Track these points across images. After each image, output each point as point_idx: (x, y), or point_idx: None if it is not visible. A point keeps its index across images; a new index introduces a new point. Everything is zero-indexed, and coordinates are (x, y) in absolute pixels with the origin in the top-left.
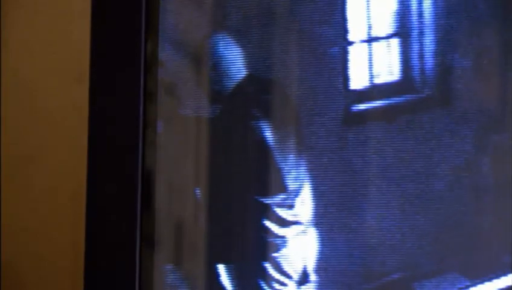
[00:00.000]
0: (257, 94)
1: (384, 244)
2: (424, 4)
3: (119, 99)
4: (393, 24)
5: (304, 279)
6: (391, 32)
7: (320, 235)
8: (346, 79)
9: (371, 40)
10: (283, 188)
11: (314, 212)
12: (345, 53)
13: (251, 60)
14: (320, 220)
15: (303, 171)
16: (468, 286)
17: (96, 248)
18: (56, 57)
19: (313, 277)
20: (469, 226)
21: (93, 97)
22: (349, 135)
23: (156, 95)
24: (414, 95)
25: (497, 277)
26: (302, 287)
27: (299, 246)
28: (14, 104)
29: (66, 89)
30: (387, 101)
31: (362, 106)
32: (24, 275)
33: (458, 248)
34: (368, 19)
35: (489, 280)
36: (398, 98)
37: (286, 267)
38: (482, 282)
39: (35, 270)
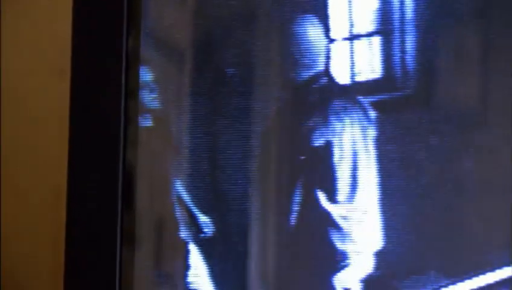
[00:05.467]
0: (238, 92)
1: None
2: (406, 2)
3: (100, 95)
4: (374, 22)
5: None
6: (373, 30)
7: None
8: (328, 76)
9: (352, 38)
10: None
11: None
12: (327, 51)
13: (234, 57)
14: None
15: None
16: (448, 284)
17: (77, 245)
18: (38, 52)
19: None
20: (449, 224)
21: (75, 93)
22: (329, 133)
23: (138, 92)
24: (395, 93)
25: (477, 275)
26: None
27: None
28: None
29: (48, 85)
30: (368, 99)
31: (345, 104)
32: (3, 272)
33: (438, 246)
34: (350, 17)
35: (470, 278)
36: (379, 96)
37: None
38: (462, 280)
39: (15, 267)
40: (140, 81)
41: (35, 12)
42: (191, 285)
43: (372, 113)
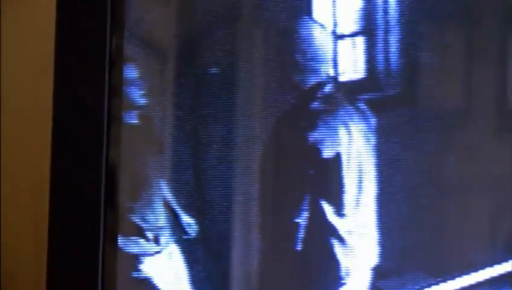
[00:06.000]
0: (220, 92)
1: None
2: (390, 2)
3: (84, 93)
4: (358, 22)
5: None
6: (356, 30)
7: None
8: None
9: (336, 37)
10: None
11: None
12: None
13: (217, 56)
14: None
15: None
16: (431, 284)
17: (59, 243)
18: (21, 49)
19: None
20: (432, 224)
21: (58, 90)
22: (313, 134)
23: (121, 89)
24: (379, 93)
25: (461, 275)
26: None
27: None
28: None
29: (31, 82)
30: (353, 99)
31: (327, 104)
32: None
33: (421, 246)
34: (334, 17)
35: (453, 278)
36: (363, 96)
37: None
38: (445, 280)
39: None
40: (124, 79)
41: (18, 11)
42: (171, 284)
43: (367, 112)
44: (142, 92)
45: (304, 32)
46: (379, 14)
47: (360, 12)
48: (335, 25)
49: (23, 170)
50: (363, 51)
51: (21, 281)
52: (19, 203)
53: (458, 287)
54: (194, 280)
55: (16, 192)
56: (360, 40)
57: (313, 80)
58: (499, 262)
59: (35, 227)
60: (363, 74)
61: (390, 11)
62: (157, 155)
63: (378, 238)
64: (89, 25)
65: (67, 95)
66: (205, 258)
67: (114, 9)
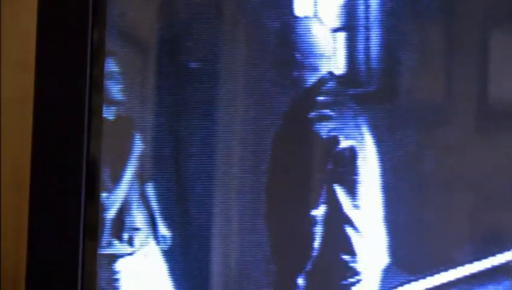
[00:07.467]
0: (203, 86)
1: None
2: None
3: (65, 88)
4: (339, 18)
5: None
6: (337, 26)
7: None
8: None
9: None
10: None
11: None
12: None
13: (199, 52)
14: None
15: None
16: (411, 281)
17: (39, 239)
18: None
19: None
20: (411, 221)
21: (39, 86)
22: (294, 131)
23: (102, 84)
24: (360, 89)
25: (439, 272)
26: None
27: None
28: None
29: (11, 77)
30: (334, 95)
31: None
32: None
33: (400, 243)
34: (315, 12)
35: (432, 275)
36: (344, 91)
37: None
38: (424, 277)
39: None
40: (106, 73)
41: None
42: (150, 281)
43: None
44: (124, 86)
45: (289, 27)
46: (360, 10)
47: (342, 8)
48: (318, 19)
49: (4, 165)
50: (345, 46)
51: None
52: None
53: (439, 283)
54: (170, 280)
55: None
56: (341, 36)
57: (297, 74)
58: (484, 257)
59: (16, 223)
60: (345, 69)
61: (372, 7)
62: (138, 149)
63: (356, 237)
64: (70, 19)
65: (48, 90)
66: (184, 262)
67: (96, 2)
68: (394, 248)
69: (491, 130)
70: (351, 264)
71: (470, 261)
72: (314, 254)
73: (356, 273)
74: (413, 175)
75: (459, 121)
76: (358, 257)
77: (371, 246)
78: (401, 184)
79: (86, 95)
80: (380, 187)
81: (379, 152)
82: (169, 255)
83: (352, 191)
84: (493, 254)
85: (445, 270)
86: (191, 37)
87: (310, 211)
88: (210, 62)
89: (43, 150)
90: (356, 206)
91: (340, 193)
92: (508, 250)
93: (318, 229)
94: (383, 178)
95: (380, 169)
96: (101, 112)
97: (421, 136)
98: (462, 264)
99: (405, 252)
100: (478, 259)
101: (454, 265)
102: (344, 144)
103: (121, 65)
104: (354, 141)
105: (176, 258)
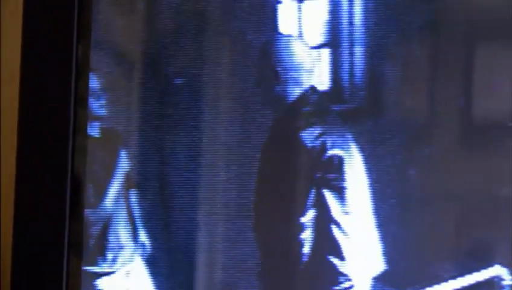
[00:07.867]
0: (188, 101)
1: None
2: (355, 15)
3: (49, 102)
4: (324, 34)
5: None
6: (322, 42)
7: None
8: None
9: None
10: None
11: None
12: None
13: (183, 67)
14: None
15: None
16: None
17: (23, 255)
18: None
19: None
20: (395, 236)
21: (23, 99)
22: (279, 145)
23: (87, 99)
24: (344, 105)
25: (423, 287)
26: None
27: None
28: None
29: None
30: (318, 111)
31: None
32: None
33: (385, 257)
34: (299, 29)
35: None
36: (328, 108)
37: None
38: None
39: None
40: (90, 89)
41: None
42: None
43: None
44: (108, 101)
45: (273, 44)
46: (344, 26)
47: (325, 25)
48: (301, 36)
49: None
50: (329, 62)
51: None
52: None
53: None
54: None
55: None
56: (326, 52)
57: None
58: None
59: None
60: (329, 85)
61: (356, 23)
62: (123, 164)
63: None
64: (55, 35)
65: (33, 103)
66: (169, 279)
67: (80, 18)
68: (381, 263)
69: (475, 146)
70: (341, 270)
71: (454, 277)
72: (304, 260)
73: (347, 279)
74: (396, 192)
75: (443, 136)
76: (348, 262)
77: (360, 253)
78: (384, 202)
79: (71, 111)
80: (364, 199)
81: (364, 163)
82: (154, 272)
83: (340, 197)
84: (477, 270)
85: (430, 285)
86: (175, 53)
87: (298, 219)
88: (194, 77)
89: (27, 166)
90: (345, 212)
91: (330, 198)
92: (492, 265)
93: (307, 236)
94: (366, 191)
95: (364, 182)
96: (85, 128)
97: (405, 151)
98: (445, 280)
99: (390, 267)
100: (461, 275)
101: (438, 281)
102: (331, 152)
103: (106, 80)
104: (340, 149)
105: (161, 276)
